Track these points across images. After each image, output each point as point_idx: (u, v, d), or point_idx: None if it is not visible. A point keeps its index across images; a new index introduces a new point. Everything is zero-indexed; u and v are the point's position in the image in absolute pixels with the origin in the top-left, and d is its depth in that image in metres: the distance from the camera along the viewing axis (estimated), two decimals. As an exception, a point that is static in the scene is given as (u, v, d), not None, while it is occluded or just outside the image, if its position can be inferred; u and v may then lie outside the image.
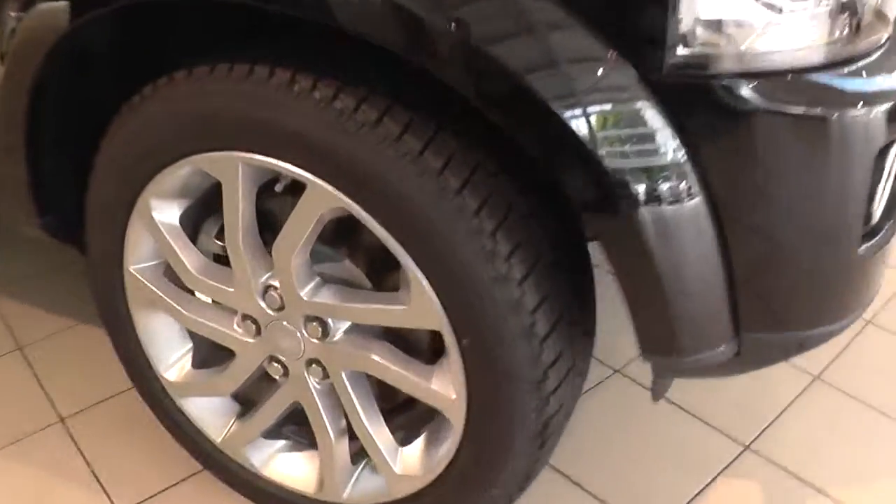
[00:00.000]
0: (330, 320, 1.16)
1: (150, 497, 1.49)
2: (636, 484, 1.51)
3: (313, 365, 1.22)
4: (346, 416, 1.24)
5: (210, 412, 1.39)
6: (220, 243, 1.28)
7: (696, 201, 0.94)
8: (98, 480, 1.52)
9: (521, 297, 1.01)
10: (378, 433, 1.21)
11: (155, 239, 1.22)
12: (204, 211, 1.26)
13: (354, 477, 1.30)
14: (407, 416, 1.27)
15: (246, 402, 1.39)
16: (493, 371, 1.05)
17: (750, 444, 1.60)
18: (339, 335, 1.17)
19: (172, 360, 1.37)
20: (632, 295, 0.99)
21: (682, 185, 0.92)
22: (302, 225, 1.07)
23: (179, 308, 1.27)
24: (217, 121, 1.05)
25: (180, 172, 1.14)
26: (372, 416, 1.21)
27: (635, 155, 0.91)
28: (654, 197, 0.92)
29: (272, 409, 1.30)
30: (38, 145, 1.28)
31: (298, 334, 1.19)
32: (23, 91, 1.18)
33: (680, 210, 0.94)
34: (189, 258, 1.22)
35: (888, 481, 1.54)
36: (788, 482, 1.52)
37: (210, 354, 1.42)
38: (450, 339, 1.05)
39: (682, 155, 0.91)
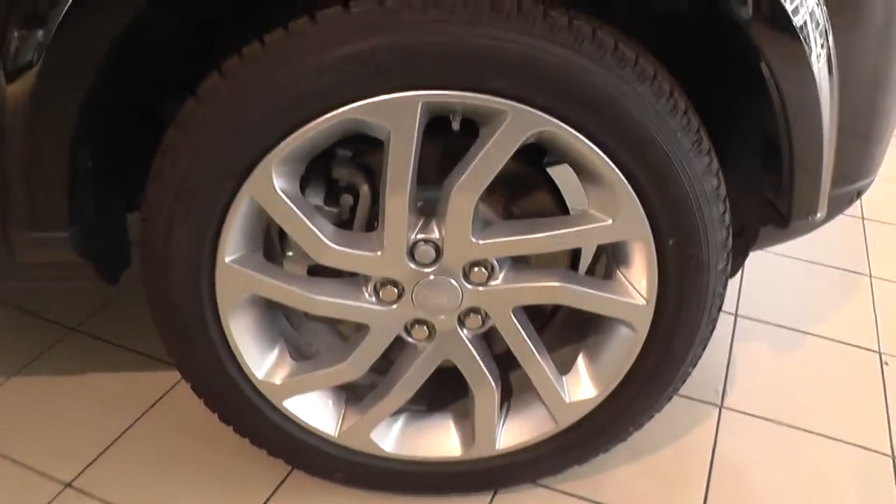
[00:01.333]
0: (495, 261, 1.11)
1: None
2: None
3: (471, 315, 1.15)
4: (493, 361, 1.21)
5: (320, 405, 1.23)
6: (331, 209, 1.14)
7: (832, 53, 1.05)
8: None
9: (718, 187, 1.06)
10: (547, 363, 1.19)
11: (276, 214, 1.04)
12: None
13: (502, 423, 1.26)
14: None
15: (348, 386, 1.26)
16: (690, 265, 1.09)
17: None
18: (502, 275, 1.12)
19: (271, 361, 1.19)
20: (799, 153, 1.08)
21: (827, 44, 1.04)
22: (497, 158, 1.00)
23: (301, 292, 1.11)
24: (409, 56, 0.93)
25: (321, 129, 0.99)
26: (539, 346, 1.18)
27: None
28: (820, 52, 1.03)
29: (413, 380, 1.20)
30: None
31: (456, 285, 1.11)
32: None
33: (827, 62, 1.05)
34: (322, 228, 1.07)
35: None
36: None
37: (298, 344, 1.26)
38: (649, 245, 1.07)
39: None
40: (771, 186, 1.17)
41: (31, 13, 0.94)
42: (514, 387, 1.29)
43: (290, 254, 1.17)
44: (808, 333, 1.76)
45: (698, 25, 1.13)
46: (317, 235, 1.06)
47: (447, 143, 1.10)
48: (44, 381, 1.56)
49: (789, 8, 0.97)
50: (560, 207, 1.20)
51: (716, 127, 1.11)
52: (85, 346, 1.65)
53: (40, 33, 0.95)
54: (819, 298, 1.89)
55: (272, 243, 1.17)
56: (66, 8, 0.92)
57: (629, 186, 1.02)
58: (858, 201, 2.22)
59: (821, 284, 1.94)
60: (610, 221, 1.06)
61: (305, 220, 1.05)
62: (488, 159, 1.01)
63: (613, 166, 1.01)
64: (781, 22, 0.97)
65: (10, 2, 0.94)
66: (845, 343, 1.74)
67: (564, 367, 1.23)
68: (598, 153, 1.00)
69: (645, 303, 1.12)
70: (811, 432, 1.52)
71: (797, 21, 0.98)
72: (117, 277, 1.23)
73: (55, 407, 1.50)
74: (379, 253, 1.08)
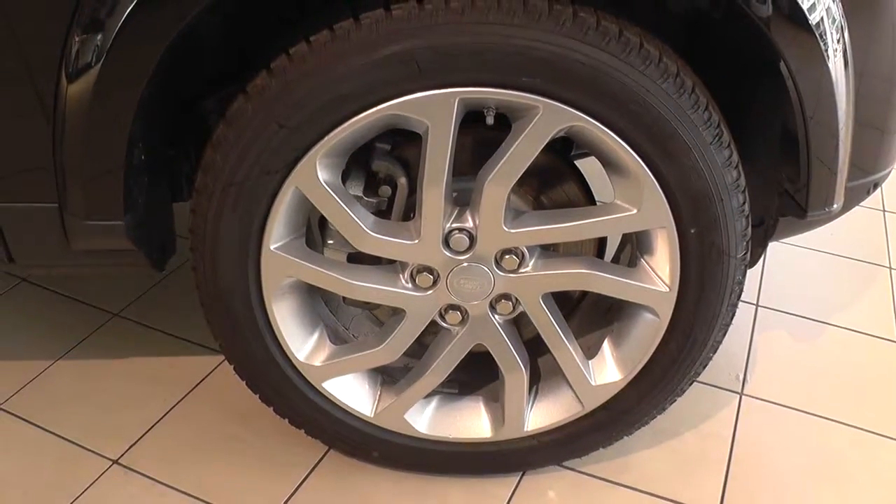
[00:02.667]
0: (525, 249, 1.17)
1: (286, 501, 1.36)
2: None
3: (502, 300, 1.21)
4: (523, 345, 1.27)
5: (357, 387, 1.30)
6: (370, 200, 1.20)
7: (848, 48, 1.09)
8: (213, 507, 1.35)
9: (738, 179, 1.11)
10: (574, 347, 1.24)
11: (320, 204, 1.11)
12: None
13: (531, 406, 1.32)
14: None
15: (384, 369, 1.33)
16: (711, 253, 1.14)
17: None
18: (531, 262, 1.18)
19: (311, 344, 1.26)
20: (817, 145, 1.12)
21: (843, 39, 1.08)
22: (528, 151, 1.06)
23: (341, 277, 1.17)
24: (447, 56, 0.98)
25: (362, 124, 1.05)
26: (566, 331, 1.24)
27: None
28: (836, 47, 1.07)
29: (446, 363, 1.25)
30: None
31: (488, 272, 1.17)
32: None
33: (843, 57, 1.09)
34: (363, 218, 1.13)
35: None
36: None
37: (336, 329, 1.32)
38: (672, 234, 1.12)
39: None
40: (789, 178, 1.21)
41: (93, 17, 1.01)
42: (542, 371, 1.35)
43: (331, 242, 1.23)
44: (828, 323, 1.81)
45: (718, 23, 1.18)
46: (358, 224, 1.12)
47: (481, 136, 1.16)
48: (89, 363, 1.64)
49: (805, 6, 1.02)
50: (587, 198, 1.26)
51: (736, 120, 1.16)
52: (128, 330, 1.73)
53: (101, 36, 1.02)
54: (839, 289, 1.93)
55: (312, 232, 1.24)
56: (128, 11, 0.99)
57: (653, 178, 1.07)
58: (879, 194, 2.27)
59: (841, 275, 1.98)
60: (634, 211, 1.11)
61: (347, 209, 1.11)
62: (520, 152, 1.06)
63: (638, 159, 1.06)
64: (798, 19, 1.02)
65: (75, 4, 1.01)
66: (864, 333, 1.78)
67: (591, 352, 1.28)
68: (623, 146, 1.05)
69: (667, 289, 1.17)
70: (830, 420, 1.56)
71: (813, 18, 1.02)
72: (164, 264, 1.30)
73: (100, 388, 1.58)
74: (416, 241, 1.14)
